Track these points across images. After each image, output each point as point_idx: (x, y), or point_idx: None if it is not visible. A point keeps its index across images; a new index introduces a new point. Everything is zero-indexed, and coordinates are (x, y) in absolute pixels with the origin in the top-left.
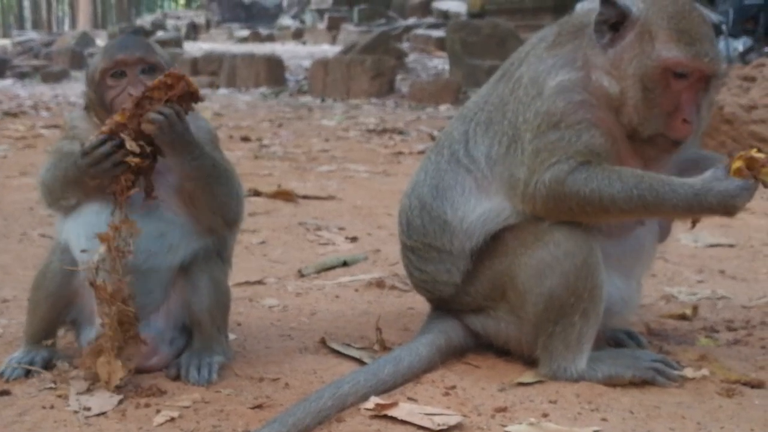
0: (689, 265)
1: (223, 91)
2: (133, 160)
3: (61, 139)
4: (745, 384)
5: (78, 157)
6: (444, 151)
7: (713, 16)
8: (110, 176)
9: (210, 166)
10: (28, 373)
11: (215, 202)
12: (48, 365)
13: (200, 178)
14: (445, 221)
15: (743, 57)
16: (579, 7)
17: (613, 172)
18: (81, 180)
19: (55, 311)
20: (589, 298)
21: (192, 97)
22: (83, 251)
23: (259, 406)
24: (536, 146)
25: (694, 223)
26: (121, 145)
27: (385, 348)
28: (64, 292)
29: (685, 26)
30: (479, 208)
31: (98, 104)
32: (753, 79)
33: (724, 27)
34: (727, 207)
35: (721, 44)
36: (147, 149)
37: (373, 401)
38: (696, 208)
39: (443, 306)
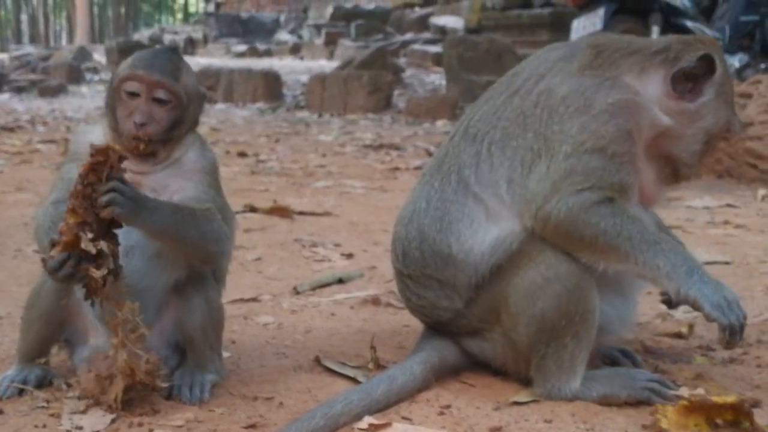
0: None
1: (220, 106)
2: (96, 273)
3: (67, 161)
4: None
5: (43, 269)
6: (451, 177)
7: (710, 33)
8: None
9: (173, 215)
10: (21, 392)
11: (187, 247)
12: (41, 384)
13: (163, 232)
14: (449, 255)
15: (740, 73)
16: (575, 24)
17: (637, 219)
18: None
19: (48, 330)
20: (581, 321)
21: (121, 159)
22: None
23: (253, 426)
24: (572, 165)
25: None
26: (80, 257)
27: (379, 366)
28: (58, 311)
29: (733, 90)
30: (488, 238)
31: (110, 110)
32: (749, 96)
33: (720, 43)
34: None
35: None
36: (106, 247)
37: (366, 421)
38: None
39: (439, 328)
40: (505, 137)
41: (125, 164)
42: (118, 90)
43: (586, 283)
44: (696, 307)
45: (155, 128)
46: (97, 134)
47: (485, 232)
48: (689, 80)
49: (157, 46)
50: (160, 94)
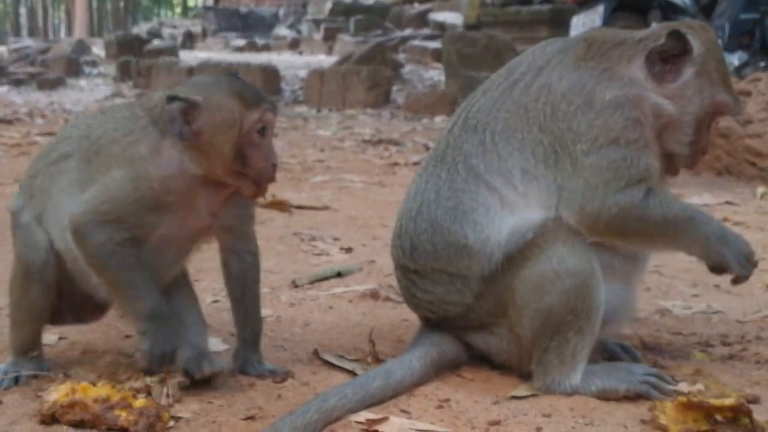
0: (684, 279)
1: None
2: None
3: (121, 169)
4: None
5: None
6: (458, 167)
7: None
8: None
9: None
10: (17, 382)
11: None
12: (35, 375)
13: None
14: (464, 245)
15: (739, 71)
16: (575, 21)
17: (673, 201)
18: None
19: (39, 324)
20: (586, 317)
21: None
22: None
23: (251, 418)
24: (597, 162)
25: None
26: None
27: (378, 360)
28: (47, 305)
29: (726, 70)
30: (504, 227)
31: (236, 157)
32: (748, 94)
33: (720, 42)
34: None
35: None
36: None
37: (363, 416)
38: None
39: (444, 325)
40: (507, 128)
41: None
42: (250, 134)
43: (595, 280)
44: (726, 270)
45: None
46: (172, 168)
47: (501, 220)
48: (667, 62)
49: (224, 75)
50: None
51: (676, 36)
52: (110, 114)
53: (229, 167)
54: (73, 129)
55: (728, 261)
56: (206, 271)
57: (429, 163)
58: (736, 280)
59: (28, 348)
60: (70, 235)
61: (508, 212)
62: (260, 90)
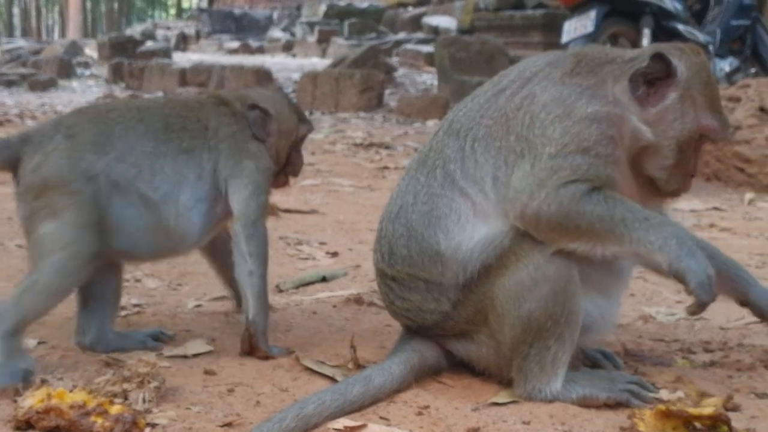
0: (668, 285)
1: None
2: None
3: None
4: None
5: None
6: (437, 171)
7: (701, 37)
8: None
9: None
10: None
11: None
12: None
13: None
14: (437, 252)
15: (729, 77)
16: (567, 26)
17: (626, 200)
18: None
19: None
20: (566, 324)
21: None
22: None
23: (229, 424)
24: (559, 164)
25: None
26: None
27: (359, 366)
28: None
29: (715, 94)
30: (476, 235)
31: (281, 153)
32: (738, 100)
33: (711, 47)
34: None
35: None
36: None
37: (341, 423)
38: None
39: (423, 332)
40: (488, 135)
41: None
42: (298, 142)
43: (573, 286)
44: (682, 280)
45: None
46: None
47: (473, 228)
48: (652, 84)
49: (280, 92)
50: None
51: (660, 58)
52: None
53: (279, 164)
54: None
55: (690, 274)
56: (190, 275)
57: (412, 166)
58: (693, 306)
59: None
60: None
61: (481, 220)
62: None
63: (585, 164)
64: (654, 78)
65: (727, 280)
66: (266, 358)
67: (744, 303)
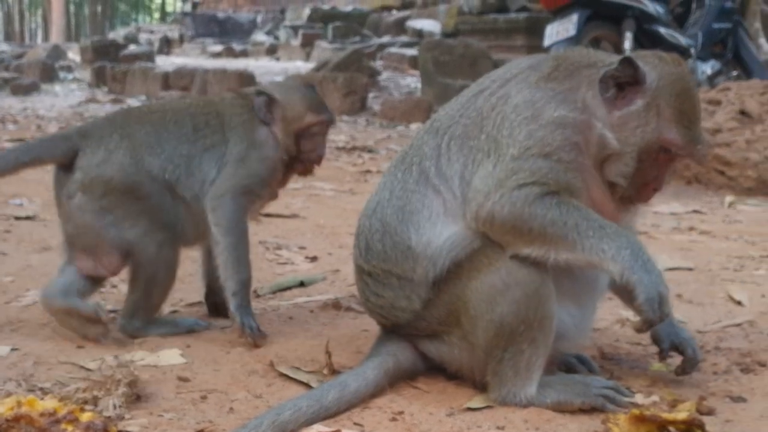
0: None
1: None
2: None
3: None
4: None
5: None
6: (413, 168)
7: (683, 40)
8: None
9: None
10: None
11: None
12: None
13: None
14: (408, 247)
15: (711, 80)
16: (549, 29)
17: (582, 207)
18: None
19: None
20: (539, 328)
21: None
22: None
23: (201, 431)
24: (519, 166)
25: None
26: None
27: (334, 372)
28: None
29: (687, 108)
30: (446, 233)
31: (287, 138)
32: (718, 103)
33: (692, 50)
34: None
35: (690, 67)
36: None
37: (315, 428)
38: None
39: (398, 331)
40: (464, 134)
41: None
42: (306, 129)
43: (545, 289)
44: (631, 294)
45: None
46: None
47: (443, 226)
48: (622, 89)
49: (305, 85)
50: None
51: (628, 63)
52: None
53: (290, 150)
54: None
55: (641, 287)
56: None
57: (393, 163)
58: (639, 323)
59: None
60: None
61: (451, 218)
62: (326, 104)
63: (545, 168)
64: (624, 83)
65: None
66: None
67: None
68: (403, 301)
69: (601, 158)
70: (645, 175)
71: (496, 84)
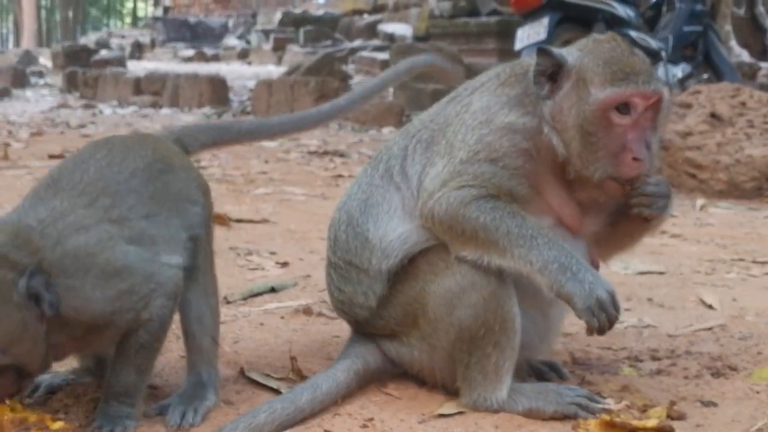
0: (618, 293)
1: (165, 111)
2: None
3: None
4: (667, 417)
5: None
6: (380, 165)
7: (653, 43)
8: None
9: None
10: None
11: None
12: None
13: None
14: (366, 238)
15: (682, 83)
16: (520, 33)
17: (519, 215)
18: None
19: None
20: (501, 331)
21: None
22: None
23: None
24: (465, 168)
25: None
26: None
27: (302, 377)
28: None
29: (619, 67)
30: (400, 228)
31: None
32: (689, 106)
33: (663, 53)
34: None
35: (661, 71)
36: None
37: None
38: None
39: (360, 330)
40: (429, 139)
41: None
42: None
43: (503, 292)
44: (570, 305)
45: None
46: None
47: (399, 221)
48: (555, 81)
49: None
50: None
51: (542, 52)
52: None
53: None
54: None
55: (575, 298)
56: None
57: (368, 162)
58: (587, 332)
59: None
60: None
61: (407, 215)
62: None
63: (489, 173)
64: (552, 73)
65: None
66: None
67: None
68: (361, 297)
69: (560, 163)
70: (606, 147)
71: (467, 92)
